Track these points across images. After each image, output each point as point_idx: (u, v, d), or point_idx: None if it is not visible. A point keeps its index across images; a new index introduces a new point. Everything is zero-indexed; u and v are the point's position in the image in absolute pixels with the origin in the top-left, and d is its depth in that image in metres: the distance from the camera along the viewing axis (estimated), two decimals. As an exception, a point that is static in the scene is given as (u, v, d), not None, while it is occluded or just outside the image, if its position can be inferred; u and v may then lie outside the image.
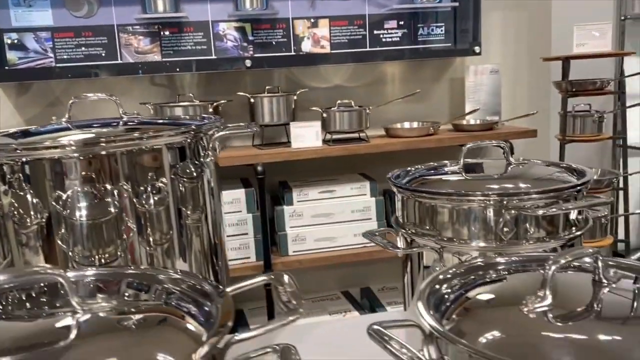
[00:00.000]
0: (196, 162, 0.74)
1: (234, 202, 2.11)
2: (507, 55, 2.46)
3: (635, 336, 0.47)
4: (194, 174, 0.73)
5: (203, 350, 0.36)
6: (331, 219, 2.18)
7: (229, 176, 2.21)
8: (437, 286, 0.55)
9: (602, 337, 0.47)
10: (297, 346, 0.44)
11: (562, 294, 0.52)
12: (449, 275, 0.54)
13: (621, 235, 2.21)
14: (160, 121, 0.83)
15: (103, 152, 0.66)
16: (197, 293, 0.45)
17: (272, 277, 0.45)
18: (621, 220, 2.22)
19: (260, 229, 2.11)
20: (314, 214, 2.17)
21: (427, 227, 0.78)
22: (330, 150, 2.12)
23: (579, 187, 0.73)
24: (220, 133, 0.74)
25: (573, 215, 0.73)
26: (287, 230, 2.16)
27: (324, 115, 2.16)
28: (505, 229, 0.71)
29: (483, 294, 0.54)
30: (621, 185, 2.19)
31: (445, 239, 0.77)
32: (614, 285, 0.51)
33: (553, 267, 0.48)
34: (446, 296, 0.54)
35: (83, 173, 0.66)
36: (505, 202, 0.70)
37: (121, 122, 0.78)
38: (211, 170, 0.77)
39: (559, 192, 0.71)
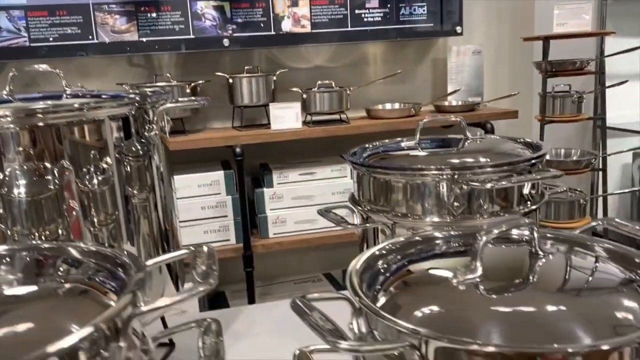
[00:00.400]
0: (142, 140, 0.71)
1: (213, 184, 2.09)
2: (490, 36, 2.43)
3: (566, 307, 0.46)
4: (140, 151, 0.71)
5: (101, 318, 0.34)
6: (312, 201, 2.16)
7: (209, 158, 2.19)
8: (373, 261, 0.53)
9: (533, 308, 0.46)
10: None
11: (497, 266, 0.51)
12: (384, 251, 0.53)
13: (600, 215, 2.21)
14: (105, 94, 0.80)
15: (41, 124, 0.64)
16: (114, 265, 0.43)
17: (193, 248, 0.43)
18: (600, 201, 2.23)
19: (239, 211, 2.09)
20: (294, 196, 2.16)
21: (381, 203, 0.77)
22: (310, 132, 2.10)
23: (533, 161, 0.72)
24: (166, 105, 0.72)
25: (526, 190, 0.72)
26: (267, 212, 2.15)
27: (304, 96, 2.13)
28: (455, 204, 0.69)
29: (419, 269, 0.53)
30: (600, 166, 2.18)
31: (399, 214, 0.76)
32: (550, 257, 0.50)
33: (484, 238, 0.46)
34: (382, 271, 0.53)
35: (20, 148, 0.64)
36: (456, 177, 0.69)
37: (64, 96, 0.75)
38: (159, 150, 0.74)
39: (511, 166, 0.70)
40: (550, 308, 0.46)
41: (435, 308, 0.48)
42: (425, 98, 2.37)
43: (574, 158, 2.10)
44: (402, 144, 0.84)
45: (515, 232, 0.53)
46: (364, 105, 2.27)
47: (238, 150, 2.03)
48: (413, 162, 0.76)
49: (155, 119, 0.71)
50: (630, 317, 0.45)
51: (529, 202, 0.74)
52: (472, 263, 0.47)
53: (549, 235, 0.52)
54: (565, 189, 0.73)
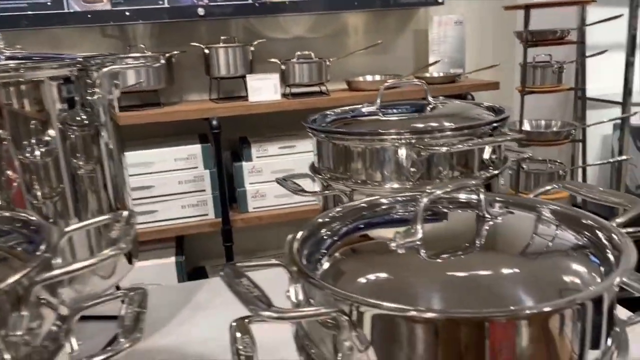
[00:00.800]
0: (87, 109, 0.67)
1: (190, 158, 2.06)
2: (472, 6, 2.38)
3: (512, 271, 0.44)
4: (86, 120, 0.67)
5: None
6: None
7: (186, 131, 2.15)
8: (317, 229, 0.51)
9: (476, 272, 0.44)
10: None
11: (442, 231, 0.49)
12: (328, 219, 0.51)
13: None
14: (46, 55, 0.76)
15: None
16: (31, 231, 0.41)
17: (113, 215, 0.41)
18: (580, 172, 2.21)
19: (217, 186, 2.06)
20: (273, 170, 2.13)
21: (340, 171, 0.74)
22: (289, 104, 2.06)
23: (494, 124, 0.69)
24: (113, 67, 0.68)
25: (487, 155, 0.70)
26: (246, 186, 2.12)
27: (283, 67, 2.09)
28: (413, 169, 0.67)
29: (363, 235, 0.50)
30: (580, 137, 2.17)
31: (358, 181, 0.73)
32: (497, 220, 0.48)
33: (425, 200, 0.44)
34: (325, 238, 0.50)
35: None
36: (413, 141, 0.66)
37: (3, 57, 0.71)
38: (107, 122, 0.70)
39: (470, 129, 0.67)
40: (495, 272, 0.44)
41: (376, 274, 0.46)
42: (407, 70, 2.33)
43: (554, 129, 2.09)
44: (363, 110, 0.81)
45: (463, 197, 0.51)
46: (344, 77, 2.23)
47: (214, 122, 1.99)
48: (371, 127, 0.73)
49: (100, 82, 0.67)
50: (577, 280, 0.43)
51: (490, 168, 0.71)
52: (412, 226, 0.45)
53: (497, 198, 0.50)
54: (530, 155, 0.71)
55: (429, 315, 0.35)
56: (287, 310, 0.36)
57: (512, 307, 0.39)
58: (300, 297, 0.45)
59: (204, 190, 2.07)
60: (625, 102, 2.07)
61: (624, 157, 2.07)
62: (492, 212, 0.48)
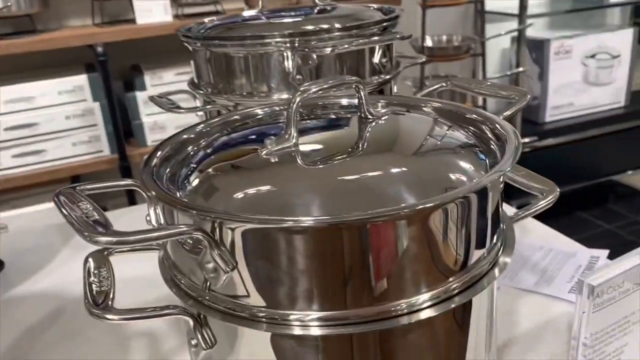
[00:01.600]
0: None
1: (76, 90, 1.88)
2: None
3: (396, 172, 0.40)
4: None
5: None
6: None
7: (70, 61, 1.95)
8: (182, 145, 0.44)
9: (358, 175, 0.40)
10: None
11: (323, 135, 0.44)
12: (193, 135, 0.44)
13: (480, 102, 2.27)
14: None
15: None
16: None
17: None
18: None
19: (110, 119, 1.91)
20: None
21: (222, 83, 0.67)
22: (182, 26, 1.89)
23: (383, 25, 0.64)
24: None
25: (377, 59, 0.65)
26: (142, 118, 1.97)
27: (172, -15, 1.91)
28: (298, 76, 0.61)
29: (232, 149, 0.45)
30: (480, 51, 2.20)
31: (243, 94, 0.66)
32: (380, 121, 0.44)
33: (298, 99, 0.39)
34: (192, 154, 0.44)
35: None
36: (296, 44, 0.60)
37: None
38: None
39: (358, 30, 0.62)
40: (377, 175, 0.40)
41: (252, 188, 0.40)
42: (308, -14, 2.22)
43: (455, 44, 2.09)
44: (245, 14, 0.73)
45: (345, 102, 0.46)
46: (242, -5, 2.09)
47: (100, 49, 1.80)
48: (253, 31, 0.66)
49: None
50: (464, 177, 0.40)
51: (382, 74, 0.67)
52: (286, 130, 0.39)
53: (380, 99, 0.45)
54: (424, 59, 0.67)
55: (288, 224, 0.31)
56: (129, 233, 0.30)
57: (391, 207, 0.35)
58: (162, 220, 0.39)
59: (95, 125, 1.91)
60: (522, 15, 2.10)
61: (520, 69, 2.13)
62: (374, 113, 0.43)
